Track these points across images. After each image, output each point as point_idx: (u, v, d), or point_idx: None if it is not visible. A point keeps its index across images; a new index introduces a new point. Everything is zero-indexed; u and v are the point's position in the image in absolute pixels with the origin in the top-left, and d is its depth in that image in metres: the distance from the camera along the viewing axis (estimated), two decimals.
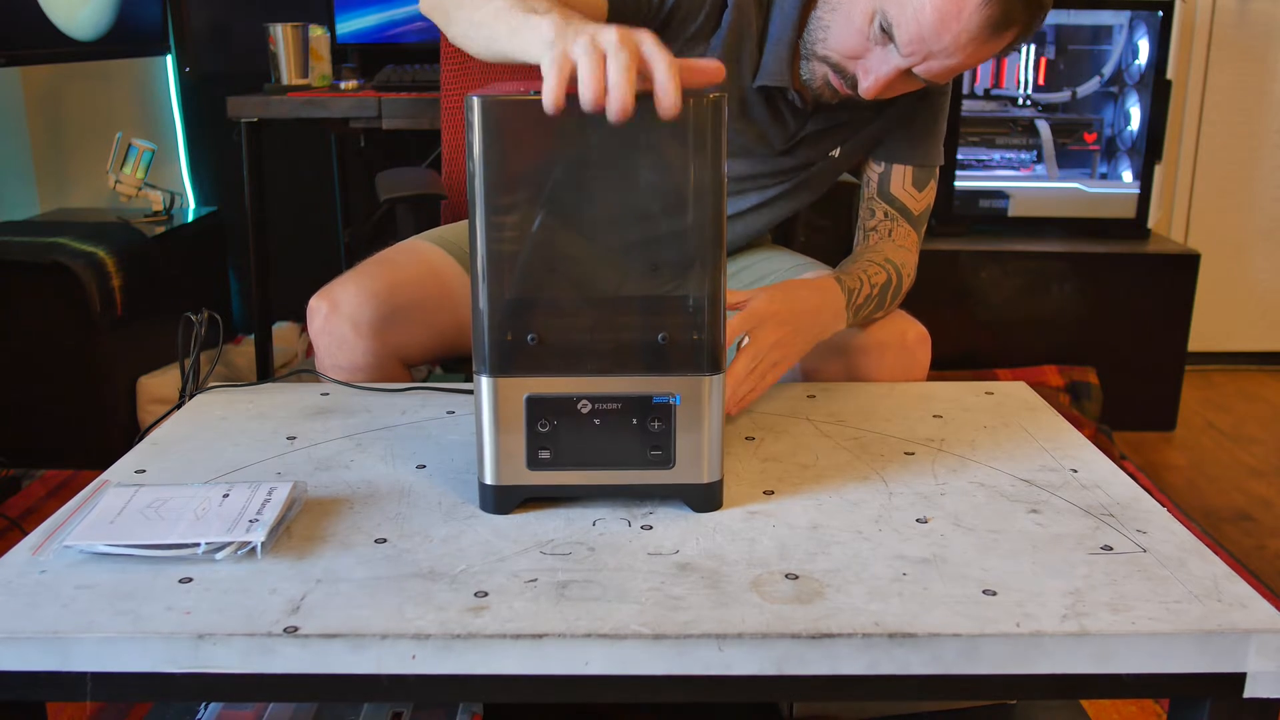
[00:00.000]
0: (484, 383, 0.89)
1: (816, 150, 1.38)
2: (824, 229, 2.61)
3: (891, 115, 1.36)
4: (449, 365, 1.50)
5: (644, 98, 0.82)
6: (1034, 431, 1.10)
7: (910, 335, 1.30)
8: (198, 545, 0.83)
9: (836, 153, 1.38)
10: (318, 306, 1.31)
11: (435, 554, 0.84)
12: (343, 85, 2.36)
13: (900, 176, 1.38)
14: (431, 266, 1.39)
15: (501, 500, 0.92)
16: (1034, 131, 2.69)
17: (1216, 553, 0.85)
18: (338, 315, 1.29)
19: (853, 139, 1.38)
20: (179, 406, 1.17)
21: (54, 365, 2.29)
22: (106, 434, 2.30)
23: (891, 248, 1.34)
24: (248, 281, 2.70)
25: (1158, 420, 2.63)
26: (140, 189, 2.62)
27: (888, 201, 1.38)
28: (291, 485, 0.92)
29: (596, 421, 0.90)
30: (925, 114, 1.38)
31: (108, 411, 2.33)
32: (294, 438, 1.08)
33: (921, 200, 1.39)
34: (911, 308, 1.36)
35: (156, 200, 2.67)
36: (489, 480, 0.91)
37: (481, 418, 0.90)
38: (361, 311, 1.29)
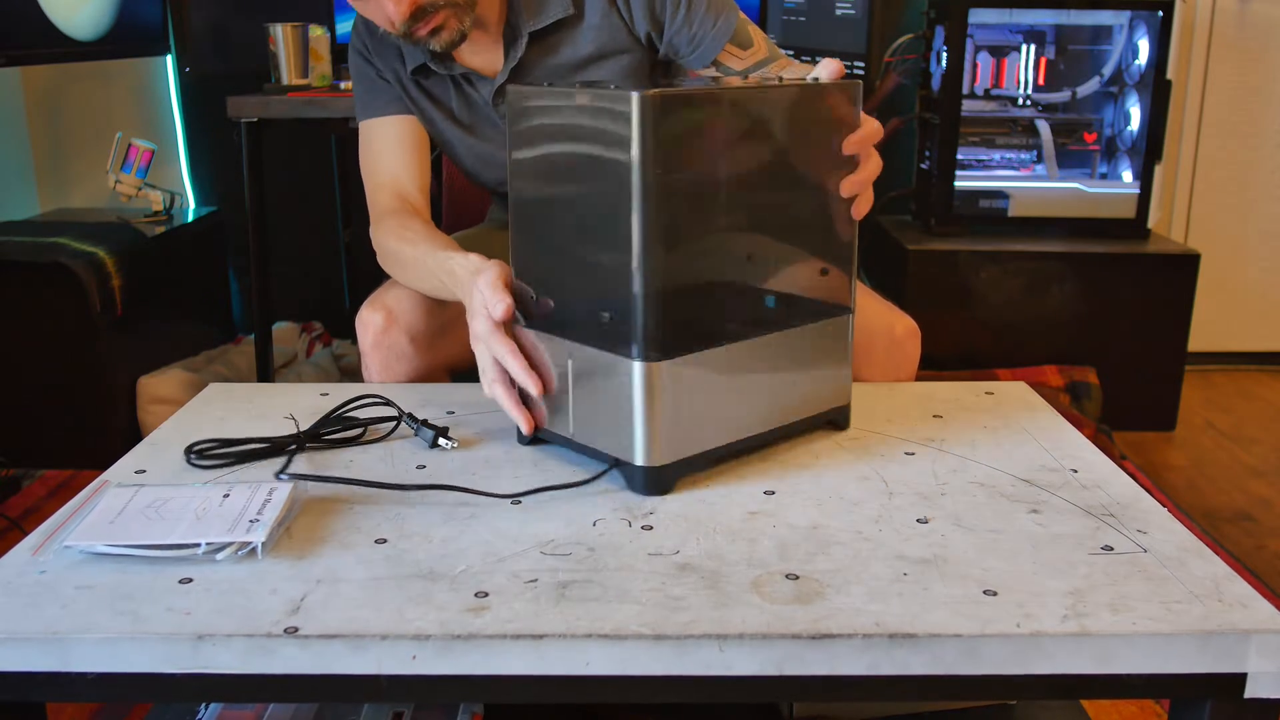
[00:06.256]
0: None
1: None
2: None
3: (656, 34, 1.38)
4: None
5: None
6: (1034, 431, 1.10)
7: (898, 329, 1.30)
8: (198, 545, 0.83)
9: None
10: (370, 318, 1.27)
11: (435, 554, 0.84)
12: (343, 85, 2.36)
13: (732, 58, 1.37)
14: None
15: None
16: (1034, 131, 2.69)
17: (1216, 553, 0.85)
18: (396, 327, 1.26)
19: (614, 69, 1.37)
20: None
21: (54, 365, 2.29)
22: (106, 434, 2.30)
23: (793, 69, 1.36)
24: (248, 281, 2.70)
25: (1158, 420, 2.63)
26: (140, 189, 2.62)
27: (752, 72, 1.38)
28: (291, 485, 0.92)
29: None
30: (685, 6, 1.35)
31: (108, 411, 2.33)
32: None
33: (760, 45, 1.39)
34: (911, 307, 1.36)
35: (156, 200, 2.67)
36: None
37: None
38: (419, 323, 1.26)
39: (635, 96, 0.86)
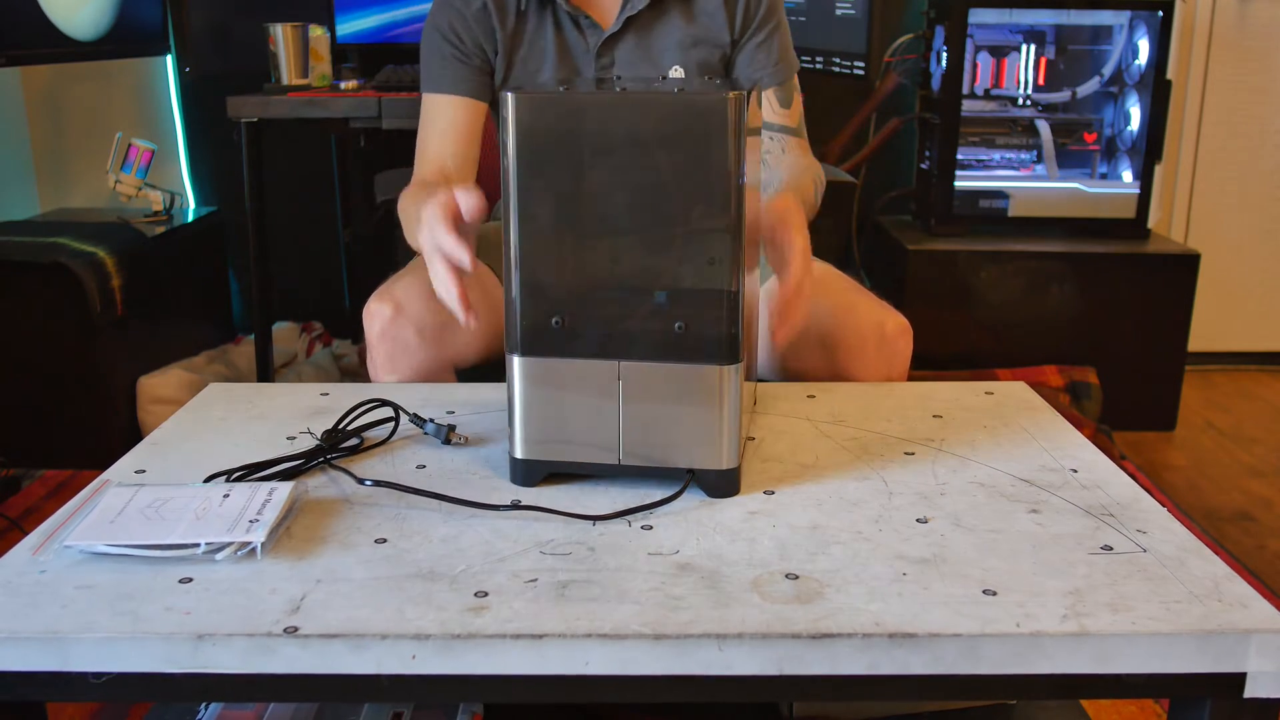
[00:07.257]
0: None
1: (645, 71, 1.42)
2: (824, 229, 2.61)
3: (738, 43, 1.44)
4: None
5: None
6: (1034, 431, 1.10)
7: (889, 326, 1.30)
8: (198, 545, 0.83)
9: (678, 73, 1.42)
10: (378, 310, 1.25)
11: (435, 554, 0.84)
12: (343, 85, 2.36)
13: (767, 104, 1.43)
14: (478, 267, 1.36)
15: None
16: (1034, 131, 2.69)
17: (1216, 553, 0.85)
18: (402, 319, 1.25)
19: (702, 57, 1.42)
20: None
21: (54, 365, 2.29)
22: (106, 434, 2.30)
23: (797, 159, 1.41)
24: (248, 281, 2.70)
25: (1158, 420, 2.63)
26: (140, 189, 2.62)
27: (767, 129, 1.44)
28: (291, 485, 0.92)
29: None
30: (766, 35, 1.43)
31: (108, 411, 2.33)
32: (294, 438, 1.08)
33: (794, 114, 1.45)
34: (911, 307, 1.36)
35: (156, 200, 2.67)
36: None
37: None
38: (426, 316, 1.25)
39: (731, 97, 0.87)
